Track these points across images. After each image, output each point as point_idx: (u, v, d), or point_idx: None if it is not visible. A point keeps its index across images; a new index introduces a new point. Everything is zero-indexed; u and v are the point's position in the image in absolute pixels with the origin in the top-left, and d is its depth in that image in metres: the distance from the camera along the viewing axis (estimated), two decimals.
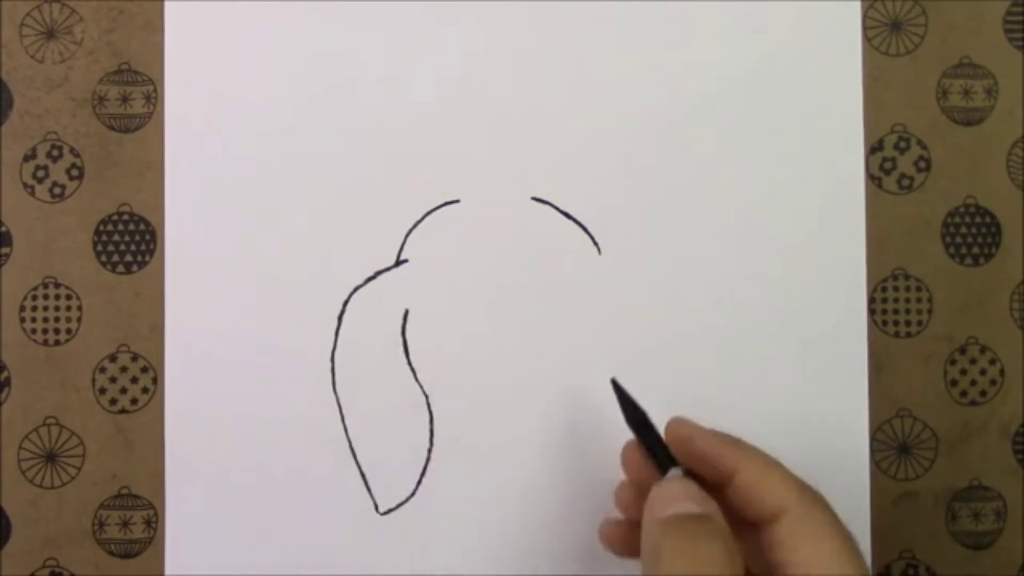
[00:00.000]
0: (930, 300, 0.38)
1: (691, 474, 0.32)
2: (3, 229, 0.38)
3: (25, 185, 0.38)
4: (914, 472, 0.38)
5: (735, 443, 0.32)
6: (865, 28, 0.38)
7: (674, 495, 0.30)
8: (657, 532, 0.29)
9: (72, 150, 0.38)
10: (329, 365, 0.37)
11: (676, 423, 0.33)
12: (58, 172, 0.38)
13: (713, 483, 0.31)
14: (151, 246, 0.38)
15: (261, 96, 0.38)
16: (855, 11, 0.38)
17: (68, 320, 0.38)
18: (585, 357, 0.37)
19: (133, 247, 0.38)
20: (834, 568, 0.28)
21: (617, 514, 0.35)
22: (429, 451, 0.37)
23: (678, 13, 0.38)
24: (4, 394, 0.37)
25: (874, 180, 0.38)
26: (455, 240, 0.38)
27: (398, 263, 0.38)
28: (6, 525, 0.37)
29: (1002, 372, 0.38)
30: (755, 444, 0.36)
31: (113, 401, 0.37)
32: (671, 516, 0.29)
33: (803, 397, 0.37)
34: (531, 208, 0.38)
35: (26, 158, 0.38)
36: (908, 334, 0.38)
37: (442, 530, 0.37)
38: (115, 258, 0.38)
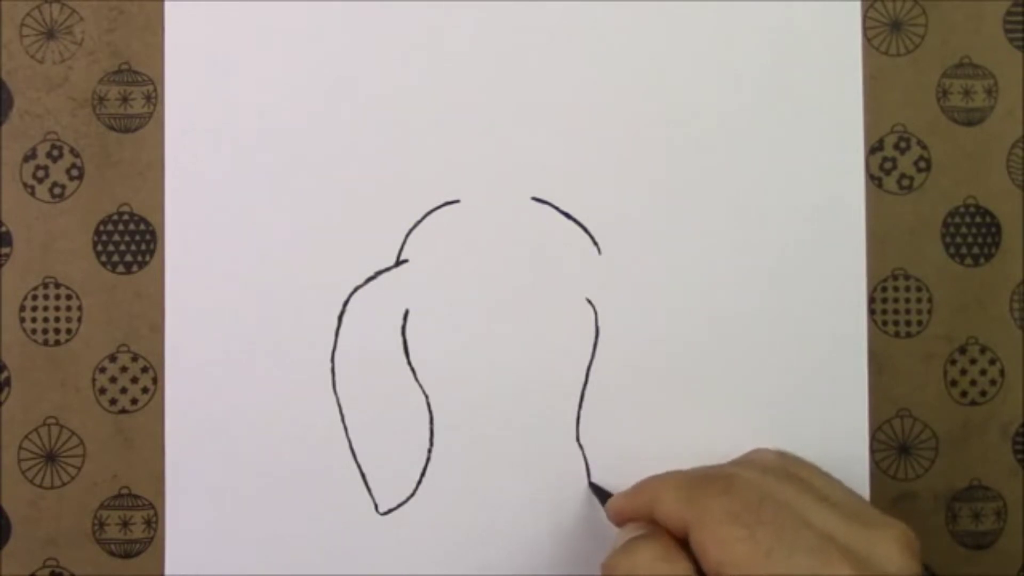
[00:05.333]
0: (930, 300, 0.38)
1: None
2: (3, 229, 0.38)
3: (25, 185, 0.38)
4: (914, 472, 0.38)
5: (638, 492, 0.33)
6: (865, 28, 0.38)
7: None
8: None
9: (72, 150, 0.38)
10: (329, 365, 0.37)
11: (608, 506, 0.34)
12: (58, 172, 0.38)
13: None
14: (151, 246, 0.38)
15: (261, 96, 0.38)
16: (855, 11, 0.38)
17: (68, 320, 0.38)
18: (585, 357, 0.37)
19: (133, 247, 0.38)
20: (738, 554, 0.28)
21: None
22: (429, 451, 0.37)
23: (678, 13, 0.38)
24: (4, 394, 0.37)
25: (874, 180, 0.38)
26: (455, 240, 0.38)
27: (398, 263, 0.38)
28: (6, 525, 0.37)
29: (1002, 372, 0.38)
30: (755, 444, 0.36)
31: (113, 401, 0.37)
32: None
33: (803, 397, 0.37)
34: (531, 208, 0.38)
35: (26, 158, 0.38)
36: (908, 334, 0.38)
37: (442, 530, 0.37)
38: (115, 258, 0.38)
